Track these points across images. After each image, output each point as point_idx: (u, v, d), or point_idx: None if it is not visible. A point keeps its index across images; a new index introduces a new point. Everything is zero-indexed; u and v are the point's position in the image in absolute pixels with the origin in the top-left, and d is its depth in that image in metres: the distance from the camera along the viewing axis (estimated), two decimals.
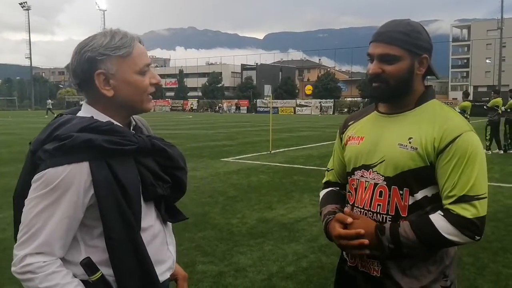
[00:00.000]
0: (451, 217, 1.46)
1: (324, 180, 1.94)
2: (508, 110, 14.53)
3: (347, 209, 1.67)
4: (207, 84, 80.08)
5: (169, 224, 1.58)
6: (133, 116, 1.53)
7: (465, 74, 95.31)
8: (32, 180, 1.31)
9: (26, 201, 1.31)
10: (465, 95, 15.32)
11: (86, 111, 1.43)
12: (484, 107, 14.65)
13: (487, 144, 13.51)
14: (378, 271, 1.60)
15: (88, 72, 1.36)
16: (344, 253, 1.76)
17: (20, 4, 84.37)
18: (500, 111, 13.70)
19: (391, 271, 1.58)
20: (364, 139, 1.67)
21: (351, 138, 1.73)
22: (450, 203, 1.48)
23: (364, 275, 1.65)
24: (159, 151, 1.47)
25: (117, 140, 1.35)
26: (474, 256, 4.64)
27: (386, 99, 1.63)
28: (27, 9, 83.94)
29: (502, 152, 13.65)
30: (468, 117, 13.34)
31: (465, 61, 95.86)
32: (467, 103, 13.80)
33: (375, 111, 1.72)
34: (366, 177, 1.63)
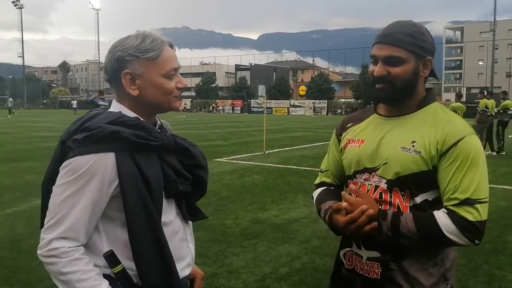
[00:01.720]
0: (454, 217, 1.45)
1: (317, 182, 1.89)
2: (501, 111, 14.62)
3: (352, 185, 1.63)
4: (201, 84, 79.93)
5: (190, 222, 1.63)
6: (159, 117, 1.61)
7: (458, 76, 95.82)
8: (61, 167, 1.38)
9: (54, 188, 1.37)
10: (458, 96, 15.38)
11: (115, 107, 1.50)
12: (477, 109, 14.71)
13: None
14: (378, 273, 1.58)
15: (116, 71, 1.44)
16: (340, 255, 1.74)
17: (13, 2, 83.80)
18: (491, 113, 13.72)
19: (392, 273, 1.56)
20: (365, 142, 1.65)
21: (350, 141, 1.71)
22: (452, 205, 1.47)
23: (362, 278, 1.63)
24: (182, 150, 1.53)
25: (143, 135, 1.40)
26: (467, 257, 4.65)
27: (390, 101, 1.60)
28: (20, 8, 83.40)
29: (495, 153, 13.73)
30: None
31: (458, 62, 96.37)
32: (458, 104, 13.84)
33: (374, 114, 1.69)
34: (369, 180, 1.61)
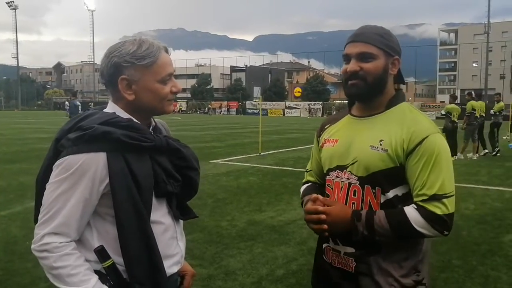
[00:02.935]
0: (423, 212, 1.55)
1: (303, 181, 2.04)
2: (496, 113, 14.68)
3: (319, 196, 1.71)
4: (196, 85, 79.80)
5: (181, 221, 1.66)
6: (155, 118, 1.64)
7: (452, 78, 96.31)
8: (54, 165, 1.42)
9: (48, 185, 1.42)
10: (453, 98, 15.41)
11: (110, 108, 1.54)
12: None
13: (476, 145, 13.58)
14: (352, 267, 1.68)
15: (113, 76, 1.48)
16: (322, 247, 1.83)
17: (7, 3, 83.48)
18: (478, 115, 13.74)
19: (365, 266, 1.65)
20: (338, 141, 1.76)
21: (327, 140, 1.82)
22: (421, 201, 1.56)
23: (340, 271, 1.72)
24: (173, 151, 1.56)
25: (134, 135, 1.44)
26: (463, 258, 4.66)
27: (362, 96, 1.69)
28: (14, 9, 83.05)
29: (487, 151, 13.77)
30: (456, 120, 13.41)
31: (453, 64, 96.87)
32: (453, 106, 13.88)
33: (348, 115, 1.80)
34: (341, 178, 1.71)
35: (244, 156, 13.31)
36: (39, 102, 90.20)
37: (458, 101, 17.69)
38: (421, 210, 1.55)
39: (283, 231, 5.66)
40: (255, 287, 3.99)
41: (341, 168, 1.71)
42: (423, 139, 1.56)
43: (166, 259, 1.51)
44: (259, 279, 4.14)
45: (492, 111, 14.78)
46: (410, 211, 1.56)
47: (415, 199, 1.58)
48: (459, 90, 75.25)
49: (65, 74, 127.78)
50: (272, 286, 4.01)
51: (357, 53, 1.64)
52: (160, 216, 1.53)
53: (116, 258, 1.44)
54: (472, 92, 14.42)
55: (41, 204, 1.43)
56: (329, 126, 1.87)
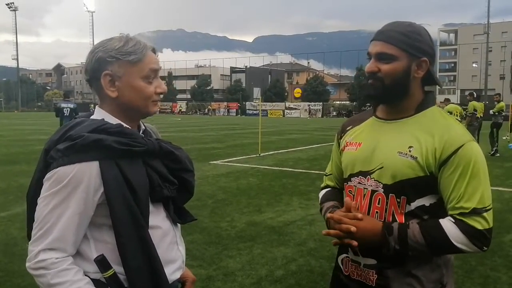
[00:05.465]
0: (462, 226, 1.43)
1: (322, 185, 1.92)
2: (496, 113, 14.71)
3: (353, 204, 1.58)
4: (196, 86, 79.82)
5: (179, 226, 1.63)
6: (143, 122, 1.59)
7: (452, 78, 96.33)
8: (44, 179, 1.36)
9: (39, 200, 1.36)
10: (447, 101, 15.56)
11: (98, 113, 1.49)
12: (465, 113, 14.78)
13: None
14: (373, 280, 1.56)
15: (96, 71, 1.43)
16: (338, 260, 1.73)
17: (7, 5, 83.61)
18: (478, 115, 13.79)
19: (387, 280, 1.54)
20: (362, 145, 1.63)
21: (348, 143, 1.69)
22: (459, 214, 1.45)
23: (359, 284, 1.61)
24: (167, 154, 1.52)
25: (126, 141, 1.40)
26: (462, 259, 4.66)
27: (380, 98, 1.60)
28: (14, 10, 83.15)
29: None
30: (459, 119, 13.45)
31: (452, 65, 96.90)
32: (455, 106, 13.90)
33: (373, 117, 1.68)
34: (364, 184, 1.59)
35: (244, 157, 13.30)
36: (39, 104, 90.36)
37: (458, 101, 17.70)
38: (460, 224, 1.43)
39: (282, 232, 5.66)
40: (254, 287, 4.00)
41: (364, 174, 1.58)
42: (458, 148, 1.44)
43: (167, 264, 1.47)
44: (259, 280, 4.15)
45: (492, 112, 14.80)
46: (448, 225, 1.44)
47: (451, 212, 1.46)
48: (458, 91, 75.31)
49: (65, 75, 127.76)
50: (272, 287, 4.01)
51: (376, 53, 1.53)
52: (158, 221, 1.48)
53: (116, 267, 1.39)
54: (474, 93, 14.46)
55: (34, 220, 1.37)
56: (351, 128, 1.73)
